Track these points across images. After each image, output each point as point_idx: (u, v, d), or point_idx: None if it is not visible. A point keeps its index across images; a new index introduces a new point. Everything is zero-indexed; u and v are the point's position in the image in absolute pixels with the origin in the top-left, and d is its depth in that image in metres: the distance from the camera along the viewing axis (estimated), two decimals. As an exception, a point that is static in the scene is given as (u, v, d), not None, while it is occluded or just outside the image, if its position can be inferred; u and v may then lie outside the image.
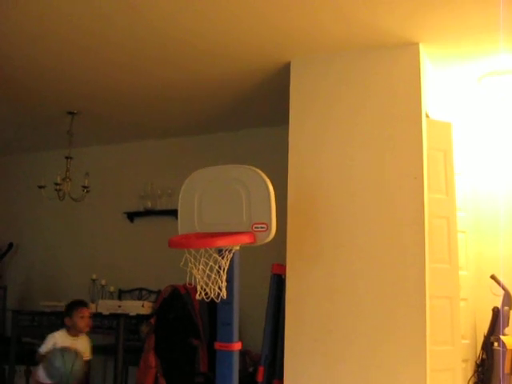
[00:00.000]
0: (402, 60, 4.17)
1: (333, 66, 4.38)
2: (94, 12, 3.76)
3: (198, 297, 3.43)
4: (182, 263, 3.36)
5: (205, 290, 3.38)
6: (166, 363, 5.06)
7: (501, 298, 4.57)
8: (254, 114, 5.83)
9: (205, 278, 3.37)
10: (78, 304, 4.92)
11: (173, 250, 3.40)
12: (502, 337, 4.39)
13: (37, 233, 7.35)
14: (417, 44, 4.10)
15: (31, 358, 6.08)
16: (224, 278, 3.37)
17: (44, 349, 4.63)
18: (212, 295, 3.37)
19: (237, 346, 3.53)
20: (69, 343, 4.62)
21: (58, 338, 4.70)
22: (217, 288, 3.36)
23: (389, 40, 4.09)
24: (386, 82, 4.20)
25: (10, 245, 7.36)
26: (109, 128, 6.49)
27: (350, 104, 4.27)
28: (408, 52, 4.14)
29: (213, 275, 3.36)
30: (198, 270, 3.36)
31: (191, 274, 3.37)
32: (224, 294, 3.38)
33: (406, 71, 4.15)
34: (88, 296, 6.21)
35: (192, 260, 3.37)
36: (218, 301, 3.40)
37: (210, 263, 3.37)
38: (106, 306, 5.80)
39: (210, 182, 3.66)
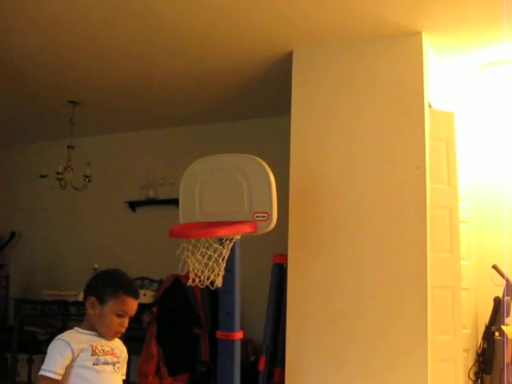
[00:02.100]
0: (404, 50, 4.15)
1: (335, 55, 4.36)
2: (98, 0, 3.75)
3: (189, 283, 3.44)
4: (178, 251, 3.37)
5: (199, 277, 3.39)
6: (167, 352, 5.07)
7: (502, 288, 4.57)
8: (256, 103, 5.81)
9: (200, 266, 3.39)
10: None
11: (175, 239, 3.40)
12: (503, 327, 4.39)
13: (39, 222, 7.35)
14: (420, 33, 4.08)
15: (33, 346, 6.14)
16: (223, 266, 3.38)
17: None
18: (206, 282, 3.38)
19: (238, 335, 3.54)
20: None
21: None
22: (213, 276, 3.37)
23: (392, 29, 4.06)
24: (389, 71, 4.18)
25: (13, 234, 7.38)
26: (111, 117, 6.48)
27: (353, 94, 4.26)
28: (411, 41, 4.11)
29: (210, 263, 3.37)
30: (194, 257, 3.38)
31: (185, 262, 3.39)
32: (220, 282, 3.39)
33: (408, 61, 4.13)
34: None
35: (190, 248, 3.38)
36: (213, 288, 3.42)
37: (209, 252, 3.38)
38: (108, 295, 5.79)
39: (211, 171, 3.66)
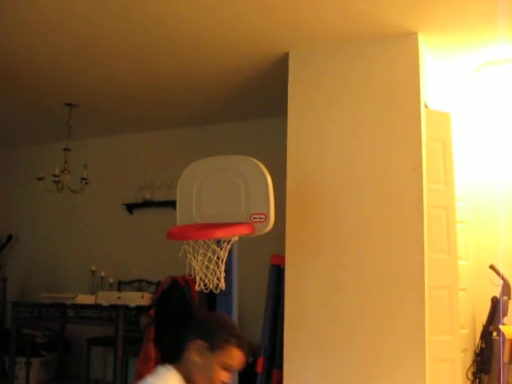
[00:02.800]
0: (401, 50, 4.15)
1: (331, 56, 4.36)
2: (94, 2, 3.75)
3: (197, 288, 3.43)
4: (180, 254, 3.36)
5: (204, 281, 3.39)
6: (165, 354, 5.06)
7: (500, 288, 4.57)
8: (253, 105, 5.81)
9: (203, 269, 3.38)
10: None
11: (172, 241, 3.40)
12: (500, 326, 4.39)
13: (36, 225, 7.35)
14: (415, 34, 4.08)
15: (31, 349, 6.13)
16: (223, 268, 3.37)
17: None
18: (211, 286, 3.37)
19: (236, 337, 3.53)
20: None
21: None
22: (215, 279, 3.37)
23: (388, 30, 4.07)
24: (385, 72, 4.19)
25: (10, 237, 7.37)
26: (107, 119, 6.47)
27: (349, 95, 4.26)
28: (407, 42, 4.12)
29: (211, 266, 3.37)
30: (197, 260, 3.37)
31: (190, 265, 3.38)
32: (223, 284, 3.38)
33: (404, 61, 4.13)
34: (87, 287, 6.22)
35: (190, 251, 3.38)
36: (216, 292, 3.41)
37: (209, 254, 3.38)
38: (106, 298, 5.79)
39: (209, 172, 3.66)
